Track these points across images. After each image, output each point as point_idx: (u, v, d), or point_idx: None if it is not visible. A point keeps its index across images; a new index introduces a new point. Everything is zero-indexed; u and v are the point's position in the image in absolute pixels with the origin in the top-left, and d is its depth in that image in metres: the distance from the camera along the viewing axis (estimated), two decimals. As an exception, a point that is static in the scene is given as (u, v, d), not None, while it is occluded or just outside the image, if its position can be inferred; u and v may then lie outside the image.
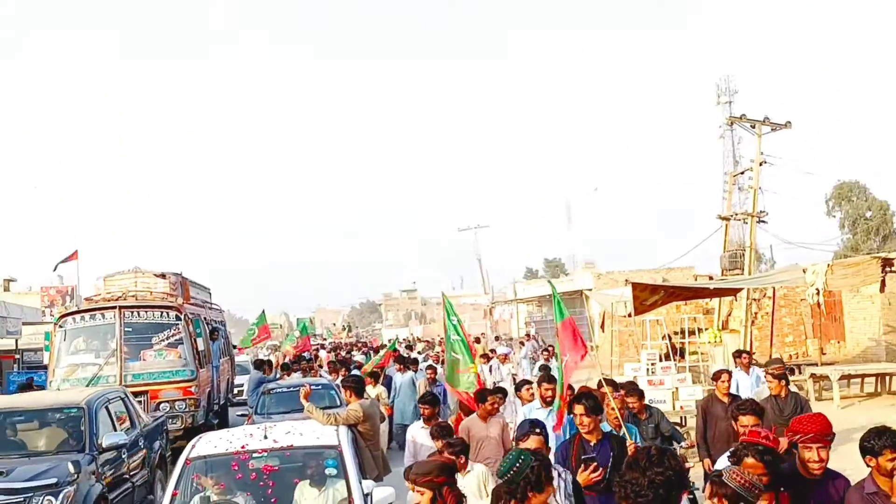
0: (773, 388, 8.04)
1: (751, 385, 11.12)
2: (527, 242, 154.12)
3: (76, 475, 8.31)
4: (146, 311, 14.50)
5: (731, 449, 4.73)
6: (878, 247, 45.97)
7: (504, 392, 9.38)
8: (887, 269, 14.00)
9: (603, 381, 7.58)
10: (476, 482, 6.34)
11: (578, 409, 5.78)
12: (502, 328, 45.06)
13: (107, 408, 10.07)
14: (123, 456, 9.74)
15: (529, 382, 9.60)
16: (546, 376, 8.65)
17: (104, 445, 9.21)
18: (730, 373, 9.01)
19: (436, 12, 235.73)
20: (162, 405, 13.76)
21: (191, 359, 14.32)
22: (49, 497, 7.96)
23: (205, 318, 17.34)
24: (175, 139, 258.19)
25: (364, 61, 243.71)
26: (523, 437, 5.36)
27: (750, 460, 4.35)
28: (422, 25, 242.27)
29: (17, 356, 25.21)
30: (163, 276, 15.67)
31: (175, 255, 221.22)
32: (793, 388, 8.73)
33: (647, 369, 13.14)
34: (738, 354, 12.05)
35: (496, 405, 8.03)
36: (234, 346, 22.50)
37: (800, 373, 16.06)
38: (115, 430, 9.85)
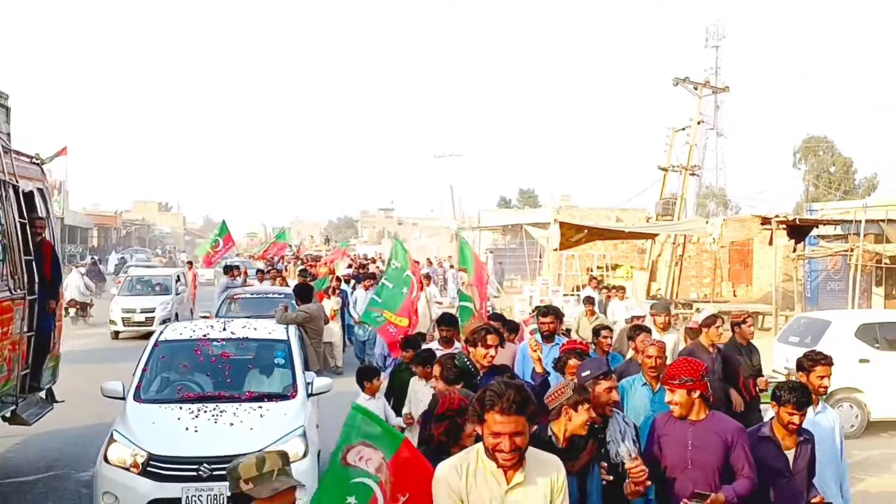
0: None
1: (623, 311, 13.82)
2: (503, 171, 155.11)
3: None
4: None
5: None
6: (839, 200, 48.37)
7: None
8: (765, 225, 16.18)
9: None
10: None
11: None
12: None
13: None
14: None
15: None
16: (547, 308, 8.01)
17: None
18: (723, 319, 7.93)
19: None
20: None
21: None
22: None
23: None
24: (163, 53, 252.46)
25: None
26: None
27: (573, 361, 5.18)
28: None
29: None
30: None
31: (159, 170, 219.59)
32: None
33: (542, 290, 15.57)
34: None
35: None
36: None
37: (691, 308, 18.56)
38: None
